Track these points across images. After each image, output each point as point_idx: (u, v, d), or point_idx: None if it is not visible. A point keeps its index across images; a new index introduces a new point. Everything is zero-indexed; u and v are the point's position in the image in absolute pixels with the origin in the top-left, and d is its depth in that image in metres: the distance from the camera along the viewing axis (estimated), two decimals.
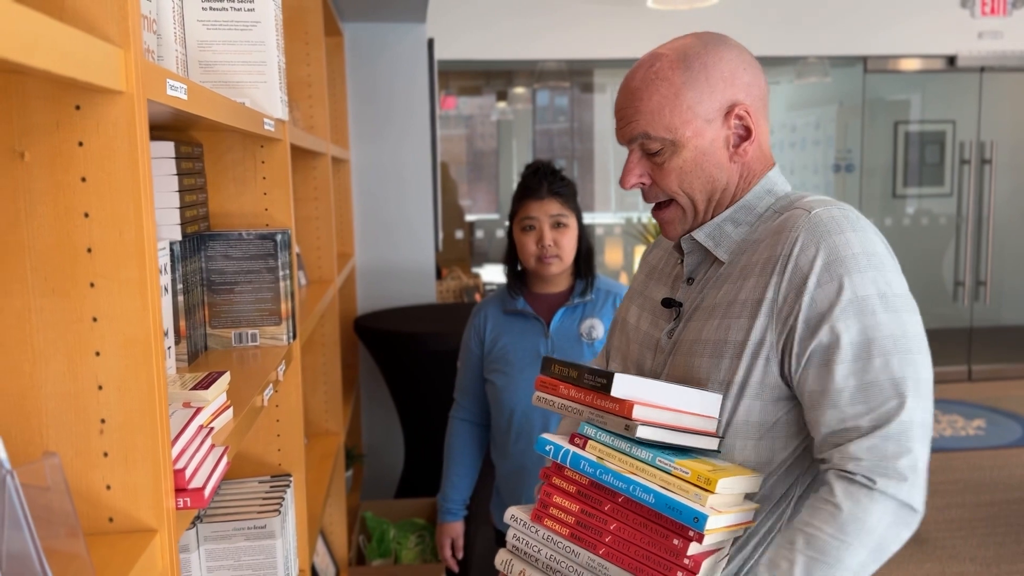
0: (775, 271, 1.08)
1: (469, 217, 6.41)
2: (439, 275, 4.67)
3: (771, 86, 1.24)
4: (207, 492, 0.79)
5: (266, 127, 1.37)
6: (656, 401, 1.07)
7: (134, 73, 0.71)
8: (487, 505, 2.12)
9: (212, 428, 0.93)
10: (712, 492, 0.98)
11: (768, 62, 5.82)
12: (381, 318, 3.05)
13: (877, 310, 1.03)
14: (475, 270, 6.28)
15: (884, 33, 5.70)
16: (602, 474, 1.06)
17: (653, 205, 1.23)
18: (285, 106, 1.53)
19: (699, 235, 1.19)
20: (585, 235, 1.93)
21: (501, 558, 1.20)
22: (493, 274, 6.37)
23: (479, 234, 6.44)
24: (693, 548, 0.98)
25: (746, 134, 1.15)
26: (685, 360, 1.18)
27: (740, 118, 1.14)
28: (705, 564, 0.99)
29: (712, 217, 1.19)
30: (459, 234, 6.29)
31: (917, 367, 1.03)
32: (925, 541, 3.58)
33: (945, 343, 6.33)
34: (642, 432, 1.03)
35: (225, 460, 0.88)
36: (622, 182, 1.20)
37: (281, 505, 1.46)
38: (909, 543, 3.33)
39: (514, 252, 1.94)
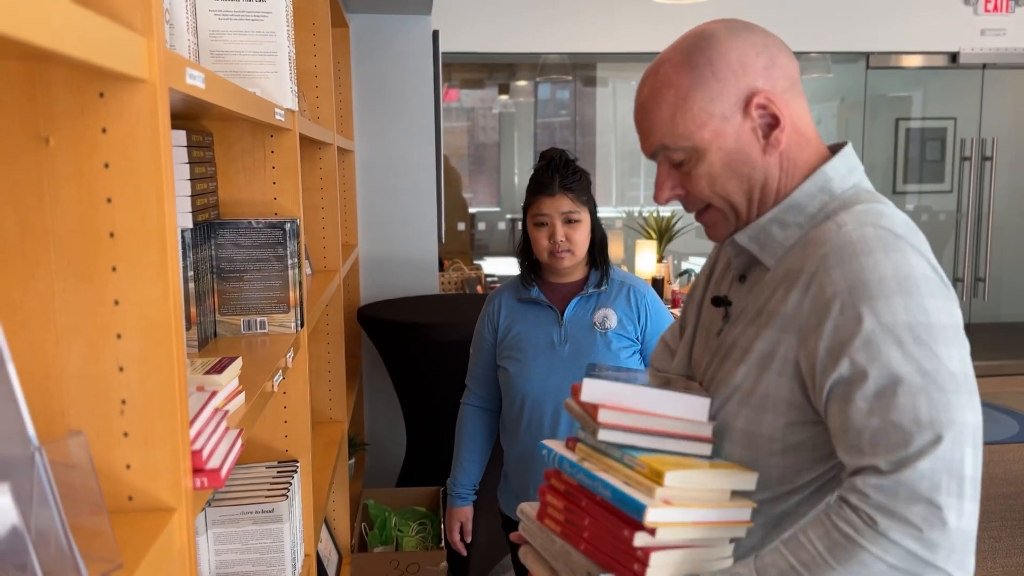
0: (797, 286, 1.01)
1: (471, 209, 6.42)
2: (441, 267, 4.69)
3: None
4: (223, 472, 0.80)
5: (277, 117, 1.39)
6: (632, 405, 1.06)
7: (156, 61, 0.72)
8: (491, 492, 2.13)
9: (227, 411, 0.95)
10: (660, 485, 0.96)
11: None
12: (384, 308, 3.06)
13: (905, 341, 0.92)
14: (476, 262, 6.29)
15: (887, 29, 5.70)
16: (576, 472, 1.07)
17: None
18: (295, 96, 1.54)
19: (741, 238, 1.10)
20: (599, 226, 1.94)
21: (523, 551, 1.23)
22: (495, 266, 6.38)
23: (480, 226, 6.45)
24: (640, 539, 0.96)
25: (774, 122, 1.04)
26: (725, 364, 1.12)
27: (762, 107, 1.03)
28: (654, 557, 0.97)
29: (758, 215, 1.09)
30: (461, 226, 6.30)
31: (952, 409, 0.91)
32: None
33: None
34: (603, 435, 1.04)
35: (240, 443, 0.90)
36: (656, 197, 1.12)
37: (288, 490, 1.48)
38: None
39: (528, 242, 1.95)
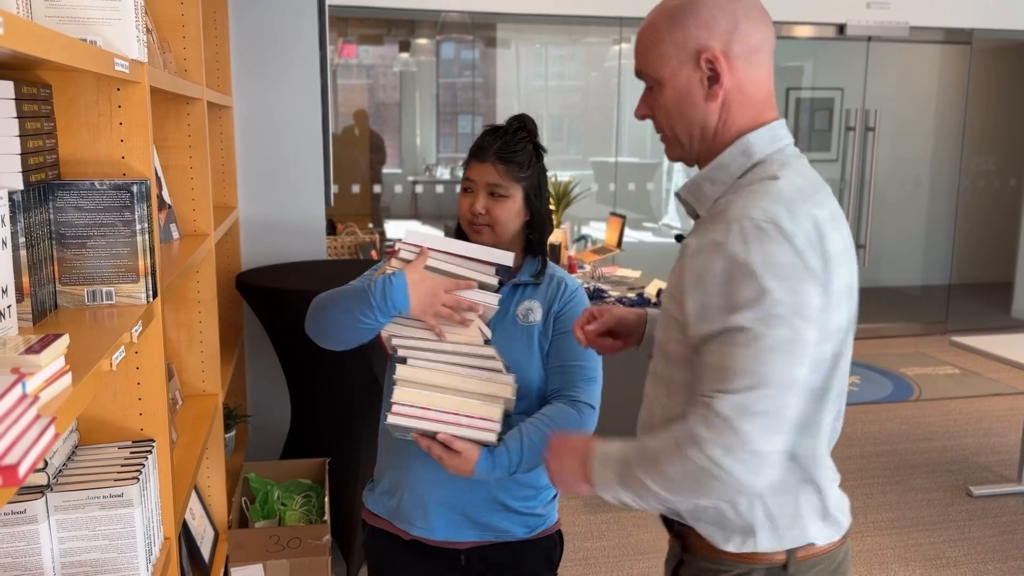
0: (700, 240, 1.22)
1: (385, 171, 6.27)
2: (333, 230, 4.54)
3: None
4: (23, 469, 0.72)
5: (118, 68, 1.26)
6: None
7: None
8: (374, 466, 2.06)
9: (37, 398, 0.86)
10: None
11: None
12: (264, 274, 2.93)
13: (749, 308, 1.17)
14: (380, 226, 6.15)
15: None
16: None
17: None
18: (143, 45, 1.41)
19: (682, 191, 1.32)
20: (540, 211, 1.72)
21: None
22: (396, 230, 6.25)
23: (376, 188, 6.30)
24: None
25: (716, 77, 1.23)
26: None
27: (709, 63, 1.23)
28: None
29: (700, 152, 1.30)
30: (356, 188, 6.14)
31: (769, 364, 1.14)
32: None
33: None
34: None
35: (51, 431, 0.81)
36: (636, 111, 1.36)
37: (141, 472, 1.39)
38: None
39: None
